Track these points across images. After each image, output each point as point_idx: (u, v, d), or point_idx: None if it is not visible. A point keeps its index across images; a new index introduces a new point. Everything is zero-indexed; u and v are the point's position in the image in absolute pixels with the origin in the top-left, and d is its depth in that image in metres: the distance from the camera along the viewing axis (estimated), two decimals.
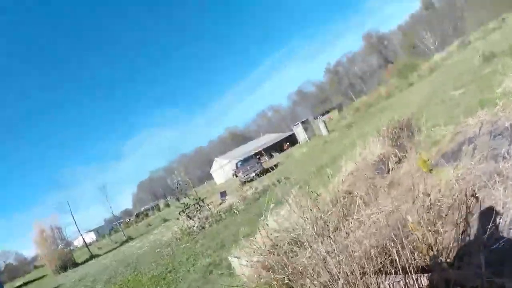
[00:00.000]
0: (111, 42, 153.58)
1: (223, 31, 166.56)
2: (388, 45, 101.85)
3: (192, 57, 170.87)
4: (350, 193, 6.23)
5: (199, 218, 15.70)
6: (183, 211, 20.13)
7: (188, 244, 12.94)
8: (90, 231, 44.31)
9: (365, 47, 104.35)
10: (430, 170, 5.56)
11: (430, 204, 4.06)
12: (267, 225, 5.81)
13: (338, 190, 6.42)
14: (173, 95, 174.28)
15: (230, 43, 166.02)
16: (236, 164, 38.99)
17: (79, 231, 42.24)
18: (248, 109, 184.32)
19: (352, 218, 5.11)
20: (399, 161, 6.98)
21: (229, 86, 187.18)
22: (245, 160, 36.53)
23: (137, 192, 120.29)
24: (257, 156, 36.79)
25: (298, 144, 41.27)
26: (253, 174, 28.53)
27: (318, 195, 6.53)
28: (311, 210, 4.39)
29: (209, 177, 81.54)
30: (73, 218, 40.41)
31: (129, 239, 32.58)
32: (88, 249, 36.71)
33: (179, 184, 23.33)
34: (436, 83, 20.20)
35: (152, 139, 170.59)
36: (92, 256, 31.12)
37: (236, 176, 38.01)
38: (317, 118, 46.48)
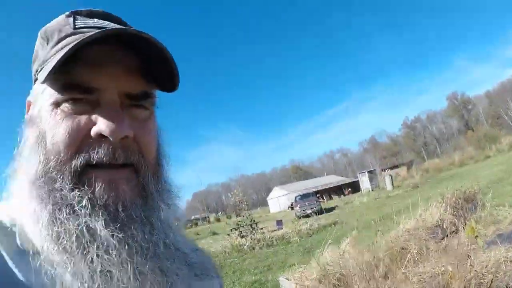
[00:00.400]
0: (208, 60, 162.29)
1: (312, 65, 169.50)
2: (472, 110, 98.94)
3: (276, 86, 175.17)
4: (403, 248, 6.62)
5: (251, 239, 16.11)
6: (236, 229, 20.92)
7: (236, 259, 13.37)
8: None
9: (448, 108, 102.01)
10: (482, 246, 5.90)
11: (473, 276, 4.44)
12: (322, 255, 6.36)
13: (392, 242, 6.82)
14: (246, 116, 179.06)
15: (315, 78, 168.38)
16: (296, 197, 39.13)
17: None
18: (316, 145, 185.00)
19: (400, 271, 5.54)
20: (456, 230, 7.29)
21: (303, 119, 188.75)
22: (305, 196, 36.53)
23: (191, 200, 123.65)
24: (317, 195, 37.04)
25: (360, 192, 41.17)
26: (310, 211, 28.68)
27: (373, 243, 6.96)
28: (364, 254, 4.87)
29: (264, 203, 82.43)
30: None
31: None
32: None
33: (238, 202, 23.97)
34: None
35: (217, 153, 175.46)
36: None
37: (293, 209, 39.08)
38: (384, 170, 46.26)
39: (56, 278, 0.54)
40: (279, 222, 22.21)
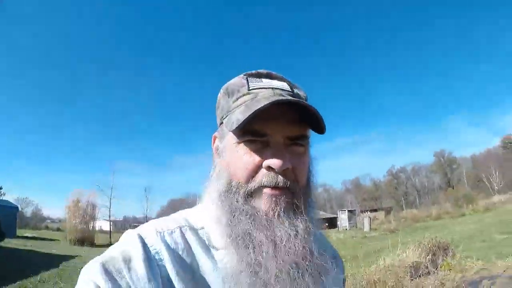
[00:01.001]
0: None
1: (316, 94, 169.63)
2: (456, 169, 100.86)
3: None
4: (382, 281, 7.50)
5: None
6: None
7: None
8: (108, 220, 45.10)
9: (433, 163, 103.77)
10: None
11: None
12: None
13: (373, 274, 7.68)
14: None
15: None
16: None
17: (109, 217, 44.15)
18: None
19: None
20: (428, 273, 8.19)
21: None
22: None
23: (166, 206, 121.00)
24: None
25: (337, 229, 41.88)
26: None
27: (353, 274, 7.76)
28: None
29: None
30: (110, 203, 42.75)
31: None
32: (110, 235, 37.89)
33: None
34: (485, 222, 21.00)
35: (205, 165, 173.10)
36: (110, 244, 31.05)
37: None
38: (364, 212, 47.11)
39: (227, 265, 0.78)
40: None
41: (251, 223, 0.79)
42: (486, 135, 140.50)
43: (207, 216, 0.87)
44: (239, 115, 0.80)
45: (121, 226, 71.05)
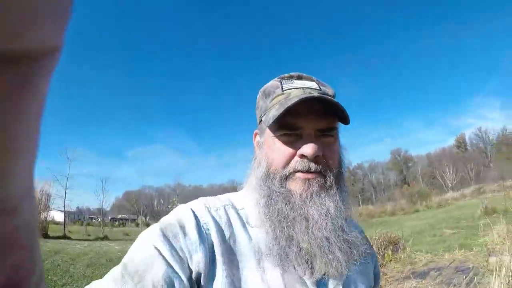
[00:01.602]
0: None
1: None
2: (412, 167, 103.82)
3: (239, 106, 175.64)
4: None
5: None
6: None
7: None
8: (62, 211, 43.58)
9: (390, 161, 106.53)
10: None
11: None
12: None
13: None
14: (198, 125, 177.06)
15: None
16: None
17: (64, 207, 42.62)
18: None
19: None
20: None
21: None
22: None
23: (121, 197, 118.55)
24: None
25: None
26: None
27: None
28: None
29: None
30: (65, 194, 41.40)
31: (106, 238, 32.85)
32: (65, 227, 36.82)
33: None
34: (437, 217, 21.54)
35: (160, 157, 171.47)
36: (65, 236, 31.08)
37: None
38: None
39: (261, 240, 0.90)
40: None
41: (286, 203, 0.90)
42: (441, 134, 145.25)
43: (247, 199, 0.99)
44: (274, 112, 0.91)
45: (75, 217, 68.41)
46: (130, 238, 33.72)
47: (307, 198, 0.90)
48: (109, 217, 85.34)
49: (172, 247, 0.80)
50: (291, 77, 1.03)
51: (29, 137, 0.24)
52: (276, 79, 1.05)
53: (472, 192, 41.86)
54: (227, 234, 0.89)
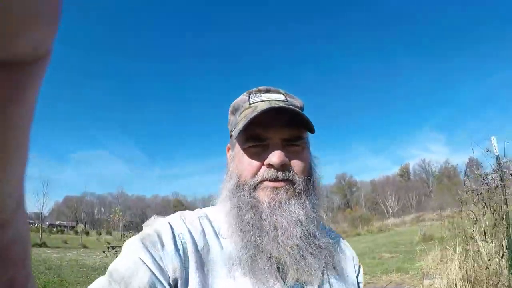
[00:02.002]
0: None
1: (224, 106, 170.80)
2: (355, 192, 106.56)
3: (191, 119, 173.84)
4: None
5: None
6: (113, 247, 20.93)
7: None
8: None
9: (335, 185, 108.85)
10: None
11: None
12: None
13: None
14: (146, 135, 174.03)
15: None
16: None
17: None
18: (204, 186, 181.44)
19: None
20: None
21: (204, 156, 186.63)
22: None
23: (61, 203, 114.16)
24: None
25: None
26: None
27: None
28: None
29: (138, 228, 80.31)
30: None
31: (44, 245, 31.38)
32: None
33: (116, 221, 23.68)
34: (377, 242, 22.24)
35: (105, 163, 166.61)
36: None
37: None
38: None
39: (232, 250, 0.92)
40: None
41: (254, 212, 0.93)
42: (387, 162, 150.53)
43: (219, 211, 1.02)
44: (240, 125, 0.94)
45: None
46: (69, 246, 32.72)
47: (275, 206, 0.92)
48: (47, 223, 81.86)
49: (152, 256, 0.83)
50: (259, 91, 1.07)
51: (20, 147, 0.23)
52: (245, 93, 1.09)
53: (412, 220, 43.62)
54: (201, 244, 0.92)
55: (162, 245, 0.86)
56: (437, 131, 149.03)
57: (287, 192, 0.94)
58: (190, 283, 0.85)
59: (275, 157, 0.92)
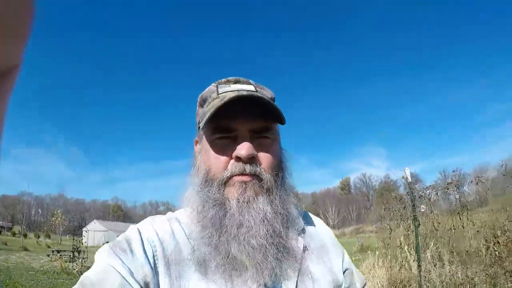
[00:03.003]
0: None
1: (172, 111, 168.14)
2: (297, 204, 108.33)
3: (135, 122, 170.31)
4: None
5: (81, 265, 16.23)
6: (58, 251, 21.02)
7: (66, 281, 13.51)
8: None
9: None
10: None
11: None
12: None
13: None
14: (89, 137, 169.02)
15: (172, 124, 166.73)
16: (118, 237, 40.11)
17: None
18: (145, 191, 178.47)
19: None
20: None
21: (146, 159, 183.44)
22: None
23: None
24: None
25: None
26: None
27: None
28: None
29: (76, 232, 78.17)
30: None
31: None
32: None
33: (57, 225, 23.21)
34: None
35: (46, 163, 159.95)
36: None
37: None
38: None
39: (201, 249, 0.88)
40: None
41: (219, 209, 0.89)
42: (328, 176, 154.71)
43: (188, 209, 0.98)
44: (207, 116, 0.88)
45: None
46: (9, 248, 31.70)
47: (244, 203, 0.89)
48: None
49: (122, 262, 0.81)
50: (228, 82, 1.02)
51: None
52: (213, 84, 1.03)
53: (351, 231, 45.45)
54: (171, 246, 0.90)
55: (132, 251, 0.85)
56: (379, 146, 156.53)
57: (254, 188, 0.90)
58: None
59: (242, 149, 0.88)
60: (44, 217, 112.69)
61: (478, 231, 6.81)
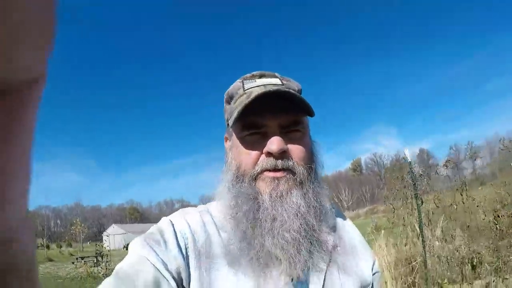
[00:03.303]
0: None
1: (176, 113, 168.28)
2: None
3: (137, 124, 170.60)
4: None
5: (106, 268, 16.56)
6: (82, 258, 21.62)
7: (94, 285, 12.80)
8: None
9: None
10: None
11: None
12: None
13: None
14: (98, 144, 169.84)
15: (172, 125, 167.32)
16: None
17: None
18: (158, 191, 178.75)
19: None
20: None
21: (154, 161, 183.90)
22: None
23: None
24: None
25: None
26: None
27: None
28: None
29: (95, 238, 78.64)
30: None
31: None
32: None
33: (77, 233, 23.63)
34: None
35: (57, 174, 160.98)
36: None
37: (127, 249, 40.72)
38: None
39: (234, 243, 0.89)
40: None
41: (253, 204, 0.88)
42: (339, 158, 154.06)
43: (220, 204, 0.97)
44: (236, 113, 0.88)
45: None
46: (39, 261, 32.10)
47: (277, 197, 0.88)
48: None
49: (156, 253, 0.81)
50: (253, 76, 1.01)
51: (23, 171, 0.24)
52: (238, 80, 1.03)
53: (365, 212, 45.29)
54: (202, 239, 0.90)
55: (165, 243, 0.85)
56: (389, 125, 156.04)
57: (288, 182, 0.89)
58: (192, 280, 0.84)
59: (273, 144, 0.87)
60: (63, 228, 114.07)
61: (477, 205, 7.06)
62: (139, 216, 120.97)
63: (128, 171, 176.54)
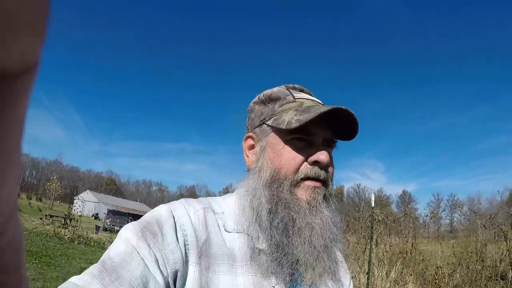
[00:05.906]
0: None
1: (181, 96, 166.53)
2: None
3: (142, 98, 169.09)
4: None
5: (73, 232, 16.73)
6: (50, 216, 21.95)
7: (57, 245, 13.96)
8: None
9: None
10: None
11: None
12: None
13: None
14: (90, 104, 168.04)
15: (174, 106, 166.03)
16: (109, 210, 42.96)
17: None
18: (140, 169, 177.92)
19: None
20: None
21: (143, 138, 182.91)
22: (119, 213, 40.72)
23: None
24: (129, 217, 38.67)
25: None
26: (118, 228, 30.13)
27: None
28: None
29: (66, 199, 77.70)
30: None
31: None
32: None
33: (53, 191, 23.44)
34: None
35: (43, 126, 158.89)
36: None
37: (95, 218, 49.20)
38: None
39: (238, 246, 0.90)
40: (97, 227, 23.38)
41: (289, 210, 0.90)
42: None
43: (230, 205, 0.99)
44: (298, 117, 0.90)
45: None
46: None
47: (315, 207, 0.91)
48: None
49: (150, 247, 0.78)
50: (295, 88, 1.06)
51: (11, 160, 0.23)
52: (282, 87, 1.05)
53: None
54: (203, 237, 0.87)
55: (163, 236, 0.82)
56: (378, 160, 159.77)
57: (323, 194, 0.93)
58: (188, 277, 0.82)
59: (323, 155, 0.90)
60: (37, 180, 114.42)
61: (422, 259, 7.63)
62: (115, 189, 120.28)
63: (115, 141, 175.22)
